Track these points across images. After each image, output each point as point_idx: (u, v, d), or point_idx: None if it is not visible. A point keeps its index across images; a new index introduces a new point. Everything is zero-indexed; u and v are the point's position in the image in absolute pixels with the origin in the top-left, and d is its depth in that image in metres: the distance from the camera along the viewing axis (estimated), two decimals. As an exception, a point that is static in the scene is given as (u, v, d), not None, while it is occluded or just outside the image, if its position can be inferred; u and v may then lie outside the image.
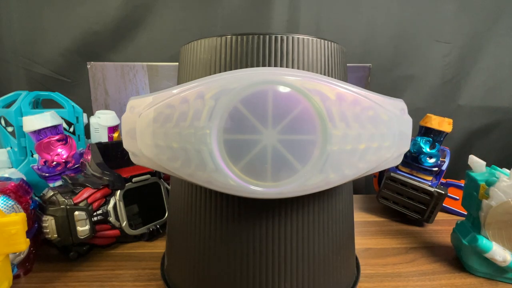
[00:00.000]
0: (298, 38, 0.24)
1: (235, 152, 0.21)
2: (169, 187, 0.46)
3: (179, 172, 0.22)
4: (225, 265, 0.26)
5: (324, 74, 0.25)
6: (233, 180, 0.21)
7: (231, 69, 0.24)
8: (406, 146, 0.24)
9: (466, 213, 0.38)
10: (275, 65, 0.23)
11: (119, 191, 0.39)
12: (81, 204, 0.36)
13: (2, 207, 0.31)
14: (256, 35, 0.23)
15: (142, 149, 0.23)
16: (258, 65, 0.23)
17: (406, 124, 0.23)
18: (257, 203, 0.25)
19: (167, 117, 0.21)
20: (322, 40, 0.25)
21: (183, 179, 0.23)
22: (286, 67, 0.24)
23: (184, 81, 0.26)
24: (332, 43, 0.26)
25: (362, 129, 0.21)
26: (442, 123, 0.47)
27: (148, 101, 0.22)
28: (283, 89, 0.21)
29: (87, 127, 0.54)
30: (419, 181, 0.47)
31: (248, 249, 0.26)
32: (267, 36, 0.23)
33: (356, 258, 0.36)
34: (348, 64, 0.66)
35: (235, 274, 0.26)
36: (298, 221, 0.26)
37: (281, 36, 0.23)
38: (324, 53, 0.25)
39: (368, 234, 0.46)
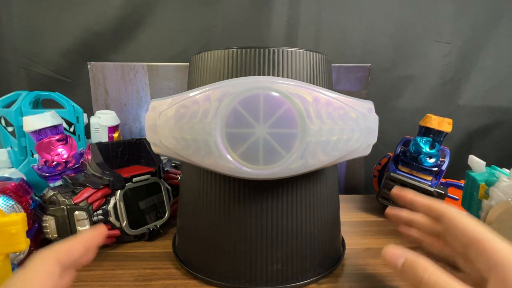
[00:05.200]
0: (287, 50, 0.29)
1: (234, 142, 0.26)
2: (169, 187, 0.46)
3: (191, 158, 0.27)
4: (227, 239, 0.32)
5: (309, 80, 0.30)
6: (233, 164, 0.26)
7: (233, 76, 0.29)
8: (373, 139, 0.29)
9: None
10: (269, 73, 0.29)
11: (119, 191, 0.39)
12: (81, 204, 0.36)
13: (2, 207, 0.31)
14: (253, 48, 0.29)
15: (162, 140, 0.28)
16: (255, 73, 0.29)
17: (372, 121, 0.28)
18: (254, 186, 0.30)
19: (182, 115, 0.27)
20: (308, 52, 0.30)
21: (194, 165, 0.28)
22: (278, 75, 0.29)
23: (194, 85, 0.32)
24: (317, 53, 0.31)
25: (334, 125, 0.27)
26: (442, 123, 0.47)
27: (167, 102, 0.28)
28: (271, 93, 0.26)
29: (87, 127, 0.54)
30: (419, 181, 0.47)
31: (246, 225, 0.31)
32: (262, 50, 0.29)
33: (343, 239, 0.41)
34: (348, 64, 0.67)
35: (236, 246, 0.31)
36: (288, 202, 0.31)
37: (273, 49, 0.29)
38: (309, 63, 0.30)
39: (368, 234, 0.46)
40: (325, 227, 0.34)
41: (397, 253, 0.24)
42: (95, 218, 0.38)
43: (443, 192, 0.46)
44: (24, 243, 0.27)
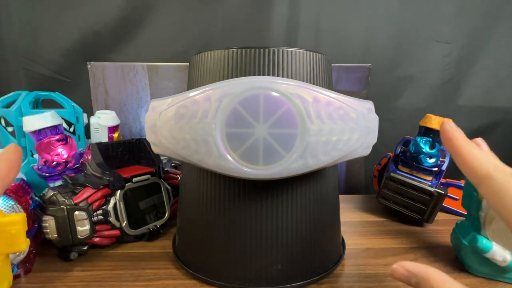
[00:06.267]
0: (287, 50, 0.29)
1: (234, 142, 0.26)
2: (169, 187, 0.46)
3: (191, 158, 0.28)
4: (227, 239, 0.32)
5: (309, 80, 0.30)
6: (233, 164, 0.27)
7: (233, 76, 0.29)
8: (373, 139, 0.29)
9: (466, 213, 0.38)
10: (269, 74, 0.29)
11: (119, 191, 0.39)
12: (81, 204, 0.36)
13: (2, 207, 0.31)
14: (253, 49, 0.29)
15: (162, 140, 0.28)
16: (255, 74, 0.29)
17: (372, 121, 0.29)
18: (254, 186, 0.30)
19: (182, 115, 0.27)
20: (308, 52, 0.30)
21: (194, 165, 0.28)
22: (278, 75, 0.29)
23: (194, 85, 0.32)
24: (317, 53, 0.31)
25: (334, 125, 0.27)
26: (442, 123, 0.47)
27: (166, 102, 0.28)
28: (271, 93, 0.26)
29: (87, 127, 0.54)
30: (419, 181, 0.47)
31: (246, 225, 0.31)
32: (262, 50, 0.29)
33: (343, 239, 0.41)
34: (348, 64, 0.67)
35: (236, 246, 0.32)
36: (288, 202, 0.31)
37: (273, 49, 0.29)
38: (309, 63, 0.30)
39: (368, 234, 0.46)
40: (325, 227, 0.34)
41: (405, 273, 0.22)
42: (95, 218, 0.38)
43: (443, 192, 0.46)
44: (24, 243, 0.27)
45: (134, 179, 0.41)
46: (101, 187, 0.39)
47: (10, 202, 0.32)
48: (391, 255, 0.40)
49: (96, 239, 0.38)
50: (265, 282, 0.31)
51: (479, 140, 0.24)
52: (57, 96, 0.51)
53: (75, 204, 0.36)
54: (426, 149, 0.48)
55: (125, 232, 0.40)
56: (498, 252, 0.32)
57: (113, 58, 0.64)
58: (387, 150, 0.58)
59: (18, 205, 0.32)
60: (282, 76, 0.29)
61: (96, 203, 0.38)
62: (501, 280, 0.34)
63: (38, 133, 0.41)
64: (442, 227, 0.48)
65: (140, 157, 0.48)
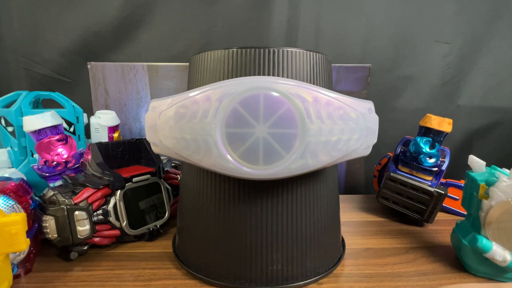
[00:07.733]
0: (287, 50, 0.29)
1: (234, 142, 0.26)
2: (169, 187, 0.46)
3: (191, 158, 0.28)
4: (227, 239, 0.32)
5: (309, 80, 0.30)
6: (233, 164, 0.27)
7: (233, 76, 0.29)
8: (373, 139, 0.29)
9: (466, 213, 0.38)
10: (269, 74, 0.29)
11: (119, 191, 0.39)
12: (81, 204, 0.36)
13: (2, 207, 0.31)
14: (253, 49, 0.29)
15: (162, 140, 0.28)
16: (255, 74, 0.29)
17: (372, 121, 0.29)
18: (254, 186, 0.30)
19: (182, 115, 0.27)
20: (308, 52, 0.30)
21: (194, 165, 0.28)
22: (278, 75, 0.29)
23: (194, 85, 0.32)
24: (317, 53, 0.31)
25: (334, 125, 0.27)
26: (442, 123, 0.47)
27: (166, 102, 0.28)
28: (271, 93, 0.26)
29: (87, 127, 0.54)
30: (419, 181, 0.47)
31: (246, 225, 0.31)
32: (262, 50, 0.29)
33: (343, 239, 0.42)
34: (348, 64, 0.67)
35: (236, 246, 0.32)
36: (288, 202, 0.31)
37: (273, 49, 0.29)
38: (309, 63, 0.30)
39: (368, 234, 0.46)
40: (325, 227, 0.34)
41: None
42: (95, 218, 0.38)
43: (443, 192, 0.46)
44: (24, 243, 0.27)
45: (134, 179, 0.41)
46: (101, 187, 0.39)
47: (10, 202, 0.32)
48: (391, 255, 0.40)
49: (96, 239, 0.38)
50: (265, 282, 0.31)
51: None
52: (57, 96, 0.51)
53: (75, 204, 0.36)
54: (426, 149, 0.48)
55: (125, 232, 0.40)
56: (498, 252, 0.32)
57: (113, 58, 0.64)
58: (387, 150, 0.58)
59: (18, 205, 0.32)
60: (282, 76, 0.29)
61: (96, 203, 0.38)
62: (501, 280, 0.34)
63: (38, 133, 0.41)
64: (442, 227, 0.48)
65: (140, 157, 0.48)
